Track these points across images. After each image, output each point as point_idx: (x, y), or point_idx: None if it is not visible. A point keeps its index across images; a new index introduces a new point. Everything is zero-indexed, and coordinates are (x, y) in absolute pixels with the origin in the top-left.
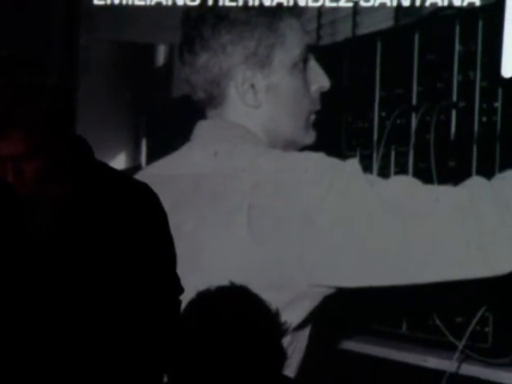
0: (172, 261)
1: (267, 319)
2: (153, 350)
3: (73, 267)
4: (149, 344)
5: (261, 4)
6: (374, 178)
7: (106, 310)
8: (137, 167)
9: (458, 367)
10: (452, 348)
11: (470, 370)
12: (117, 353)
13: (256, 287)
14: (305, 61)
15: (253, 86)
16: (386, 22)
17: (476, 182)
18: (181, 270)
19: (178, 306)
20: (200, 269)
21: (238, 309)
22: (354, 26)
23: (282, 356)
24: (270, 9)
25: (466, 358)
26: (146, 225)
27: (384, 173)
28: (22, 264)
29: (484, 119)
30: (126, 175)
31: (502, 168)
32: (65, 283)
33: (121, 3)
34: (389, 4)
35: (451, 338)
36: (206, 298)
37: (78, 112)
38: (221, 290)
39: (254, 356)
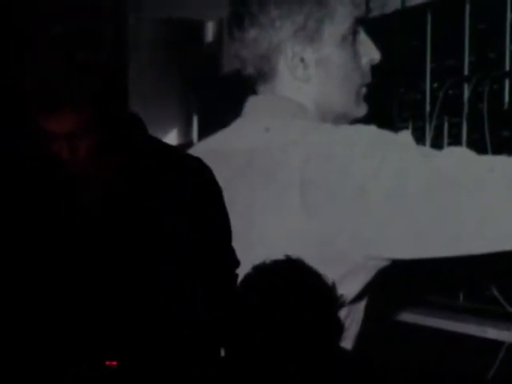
0: (227, 234)
1: (324, 292)
2: (210, 324)
3: (127, 243)
4: (206, 317)
5: None
6: (426, 149)
7: (163, 285)
8: (188, 143)
9: None
10: (510, 319)
11: None
12: (175, 326)
13: (311, 262)
14: (354, 34)
15: (302, 60)
16: None
17: None
18: (235, 245)
19: (234, 279)
20: (254, 244)
21: (294, 281)
22: None
23: (339, 328)
24: None
25: None
26: (200, 198)
27: (437, 144)
28: (74, 241)
29: None
30: (180, 150)
31: None
32: (119, 258)
33: None
34: None
35: (509, 309)
36: (262, 271)
37: (130, 90)
38: (277, 264)
39: (311, 328)
